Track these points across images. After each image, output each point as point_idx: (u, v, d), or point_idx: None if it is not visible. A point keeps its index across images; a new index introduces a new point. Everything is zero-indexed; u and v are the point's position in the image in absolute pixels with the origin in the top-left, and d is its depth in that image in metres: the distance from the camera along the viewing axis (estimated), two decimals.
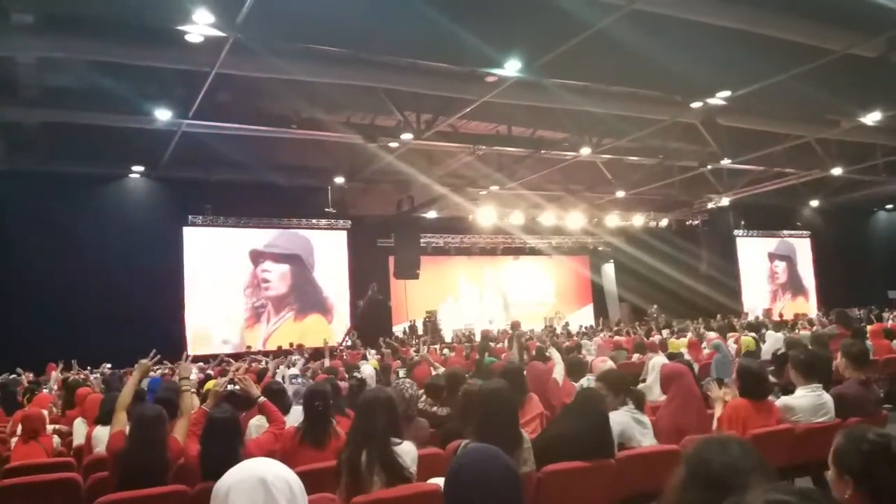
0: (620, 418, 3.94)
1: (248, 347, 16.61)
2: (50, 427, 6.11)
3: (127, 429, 4.07)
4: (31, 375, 11.36)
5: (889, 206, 25.71)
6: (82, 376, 9.62)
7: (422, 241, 18.92)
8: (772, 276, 24.66)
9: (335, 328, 18.48)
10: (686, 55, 9.21)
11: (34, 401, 7.57)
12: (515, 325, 8.59)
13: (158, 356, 4.84)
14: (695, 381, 4.81)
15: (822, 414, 4.21)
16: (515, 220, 18.42)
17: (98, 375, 9.66)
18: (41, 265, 14.29)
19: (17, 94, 11.32)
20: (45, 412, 6.37)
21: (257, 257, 18.01)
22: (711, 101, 11.69)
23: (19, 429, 5.57)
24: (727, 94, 11.21)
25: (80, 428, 5.87)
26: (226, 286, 17.50)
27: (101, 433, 4.88)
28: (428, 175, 16.09)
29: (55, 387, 9.27)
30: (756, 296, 23.70)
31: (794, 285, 25.08)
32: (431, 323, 19.16)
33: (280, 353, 12.31)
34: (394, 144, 13.65)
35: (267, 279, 18.05)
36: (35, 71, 10.78)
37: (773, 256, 24.82)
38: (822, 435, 3.88)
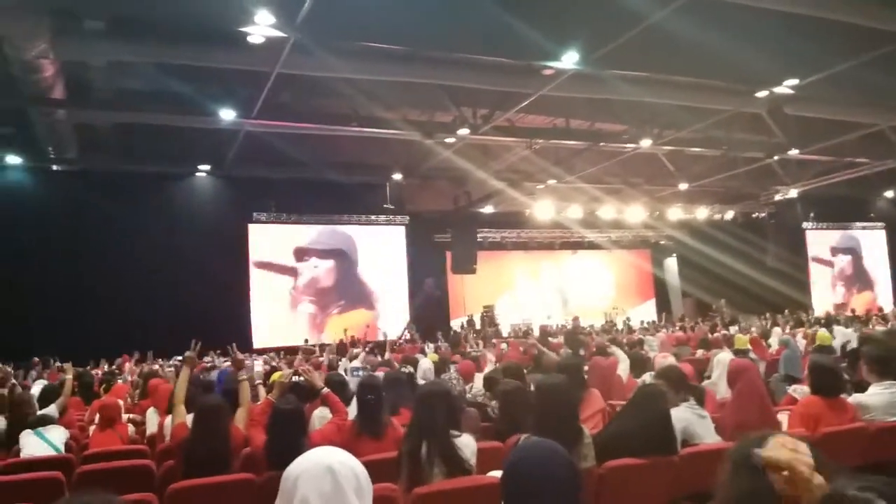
0: (683, 415, 3.87)
1: (306, 341, 16.93)
2: (125, 416, 6.38)
3: (188, 419, 4.22)
4: (106, 367, 11.87)
5: None
6: (156, 367, 10.00)
7: (479, 236, 18.92)
8: (835, 271, 23.73)
9: (389, 322, 18.70)
10: (750, 43, 8.93)
11: (111, 390, 7.90)
12: (575, 321, 8.54)
13: (199, 344, 5.00)
14: (760, 378, 4.69)
15: None
16: (573, 214, 18.21)
17: (171, 368, 10.04)
18: (113, 261, 14.90)
19: (90, 97, 11.81)
20: (122, 402, 6.65)
21: (302, 254, 18.35)
22: (778, 89, 11.31)
23: (97, 417, 5.83)
24: (794, 82, 10.83)
25: (152, 417, 6.12)
26: (289, 281, 17.93)
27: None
28: (485, 170, 16.05)
29: (130, 377, 9.65)
30: (826, 290, 22.87)
31: (860, 279, 24.08)
32: (489, 318, 19.16)
33: (339, 346, 12.54)
34: (451, 140, 13.68)
35: (313, 275, 18.38)
36: (107, 74, 11.22)
37: (835, 250, 23.85)
38: None
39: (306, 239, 18.45)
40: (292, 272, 18.16)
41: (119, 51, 9.69)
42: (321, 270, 18.48)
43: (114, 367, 11.80)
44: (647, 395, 3.71)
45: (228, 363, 10.49)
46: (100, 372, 11.00)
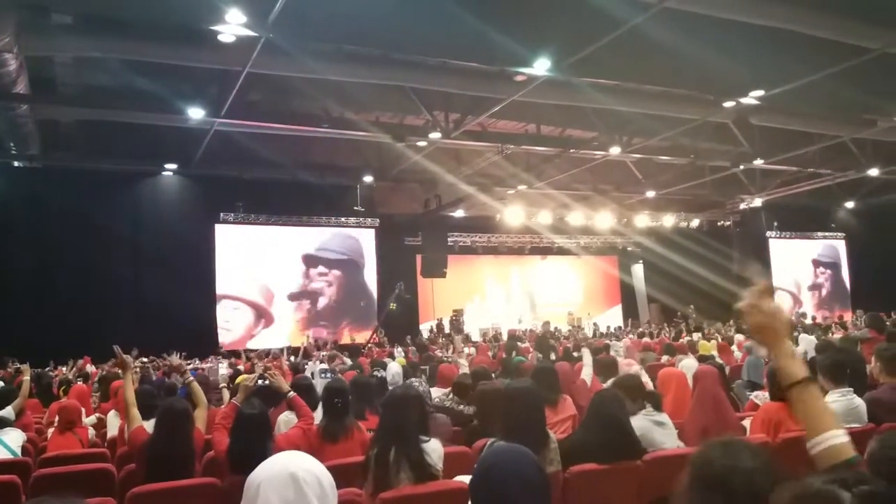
0: (639, 423, 3.90)
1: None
2: (91, 418, 6.25)
3: (145, 424, 4.16)
4: (63, 369, 11.58)
5: None
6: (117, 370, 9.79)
7: (449, 240, 18.95)
8: (814, 285, 24.12)
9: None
10: (719, 54, 9.09)
11: (70, 392, 7.73)
12: (545, 325, 8.58)
13: (136, 352, 4.96)
14: (720, 383, 4.74)
15: (854, 419, 4.12)
16: (543, 220, 18.34)
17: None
18: (76, 260, 14.59)
19: (55, 93, 11.57)
20: (83, 407, 6.50)
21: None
22: (744, 100, 11.53)
23: (56, 420, 5.70)
24: (760, 93, 11.04)
25: (112, 420, 6.00)
26: (256, 283, 17.73)
27: None
28: (455, 174, 16.10)
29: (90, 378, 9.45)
30: (790, 297, 23.33)
31: (839, 293, 24.55)
32: (457, 321, 19.17)
33: (304, 350, 12.42)
34: (422, 144, 13.68)
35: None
36: (73, 70, 11.01)
37: (816, 262, 24.26)
38: (853, 440, 3.80)
39: (283, 240, 18.22)
40: (268, 273, 18.01)
41: (86, 46, 9.50)
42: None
43: (73, 369, 11.51)
44: (603, 401, 3.74)
45: (198, 365, 10.36)
46: (58, 374, 10.74)
